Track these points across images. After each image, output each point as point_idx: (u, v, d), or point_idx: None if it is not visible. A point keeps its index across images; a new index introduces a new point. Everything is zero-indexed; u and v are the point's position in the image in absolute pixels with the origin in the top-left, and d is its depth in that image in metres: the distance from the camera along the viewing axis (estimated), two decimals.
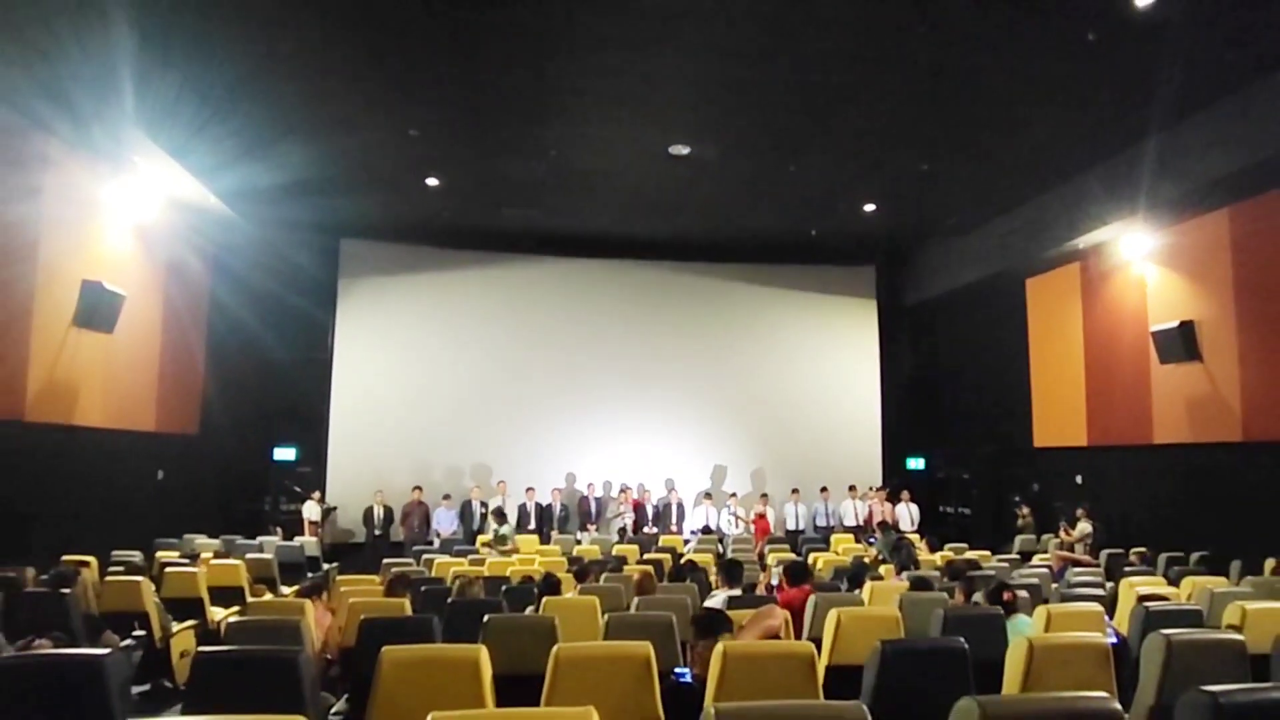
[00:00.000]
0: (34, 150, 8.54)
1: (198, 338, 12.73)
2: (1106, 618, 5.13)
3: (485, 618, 3.99)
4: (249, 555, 8.86)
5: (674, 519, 13.34)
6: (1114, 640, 4.20)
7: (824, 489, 13.89)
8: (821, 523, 13.62)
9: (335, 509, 12.82)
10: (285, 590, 7.81)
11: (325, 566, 10.46)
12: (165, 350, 11.58)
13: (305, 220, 12.95)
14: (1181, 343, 10.01)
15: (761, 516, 13.28)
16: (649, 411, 14.36)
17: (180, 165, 9.58)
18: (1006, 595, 4.93)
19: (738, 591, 5.96)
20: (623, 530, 13.02)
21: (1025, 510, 12.47)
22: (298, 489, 13.41)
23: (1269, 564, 7.65)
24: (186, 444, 12.15)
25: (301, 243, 13.39)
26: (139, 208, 10.31)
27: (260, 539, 10.64)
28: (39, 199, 8.59)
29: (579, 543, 11.04)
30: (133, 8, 6.77)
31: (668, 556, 8.77)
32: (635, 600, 5.61)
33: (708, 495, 13.83)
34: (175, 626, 6.16)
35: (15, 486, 8.16)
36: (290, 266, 13.36)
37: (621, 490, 13.59)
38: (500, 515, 11.13)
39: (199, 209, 11.11)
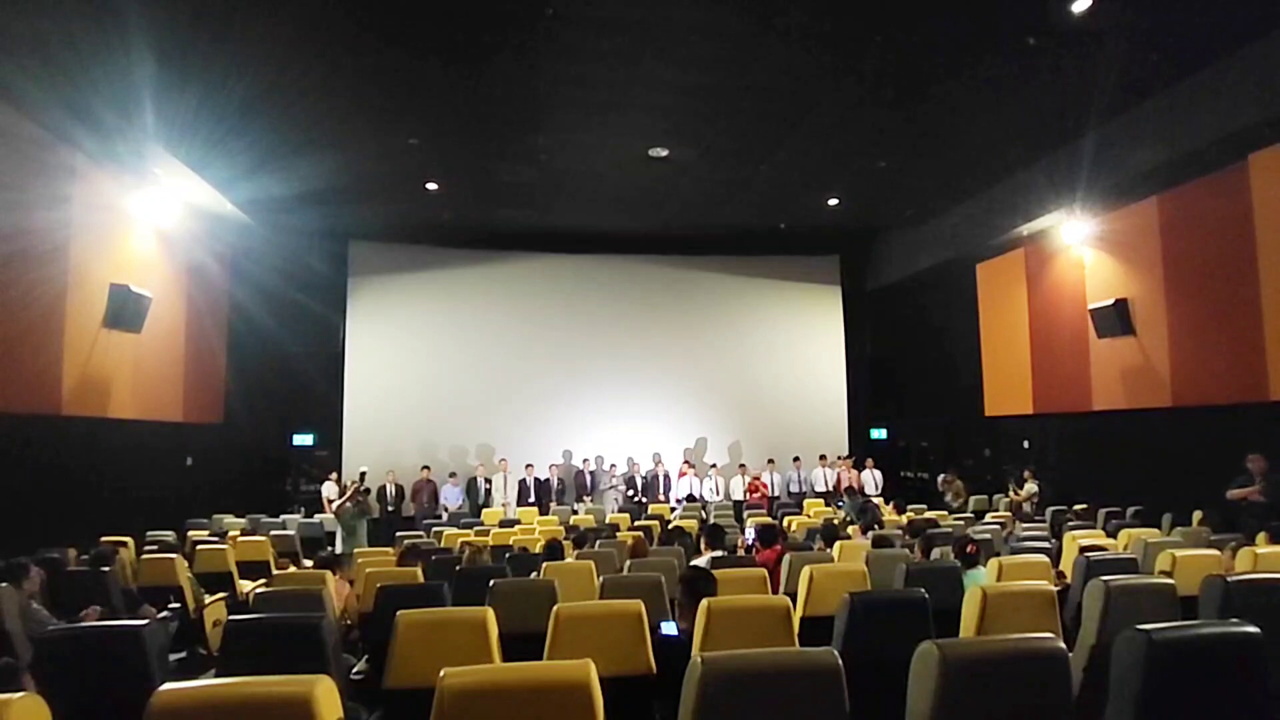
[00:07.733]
0: (60, 162, 8.40)
1: (219, 335, 12.63)
2: (1052, 567, 5.19)
3: (491, 582, 3.98)
4: (273, 532, 8.84)
5: (661, 489, 13.37)
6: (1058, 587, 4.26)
7: (796, 458, 13.95)
8: (795, 489, 13.69)
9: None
10: (307, 563, 7.81)
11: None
12: (189, 347, 11.47)
13: (316, 225, 12.87)
14: (1116, 319, 10.11)
15: (755, 482, 13.34)
16: (636, 391, 14.38)
17: (199, 177, 9.46)
18: (970, 548, 5.01)
19: (720, 553, 6.00)
20: (629, 498, 13.07)
21: (956, 483, 12.06)
22: (316, 471, 13.38)
23: (1196, 516, 7.74)
24: (212, 432, 12.07)
25: (313, 246, 13.33)
26: (161, 215, 10.16)
27: (283, 517, 10.61)
28: (66, 207, 8.46)
29: (575, 513, 11.06)
30: (152, 31, 6.66)
31: (656, 523, 8.79)
32: (628, 563, 5.64)
33: (691, 466, 13.88)
34: (207, 598, 6.14)
35: (55, 476, 8.08)
36: (303, 268, 13.28)
37: (610, 466, 13.64)
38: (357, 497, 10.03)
39: (217, 216, 10.99)
